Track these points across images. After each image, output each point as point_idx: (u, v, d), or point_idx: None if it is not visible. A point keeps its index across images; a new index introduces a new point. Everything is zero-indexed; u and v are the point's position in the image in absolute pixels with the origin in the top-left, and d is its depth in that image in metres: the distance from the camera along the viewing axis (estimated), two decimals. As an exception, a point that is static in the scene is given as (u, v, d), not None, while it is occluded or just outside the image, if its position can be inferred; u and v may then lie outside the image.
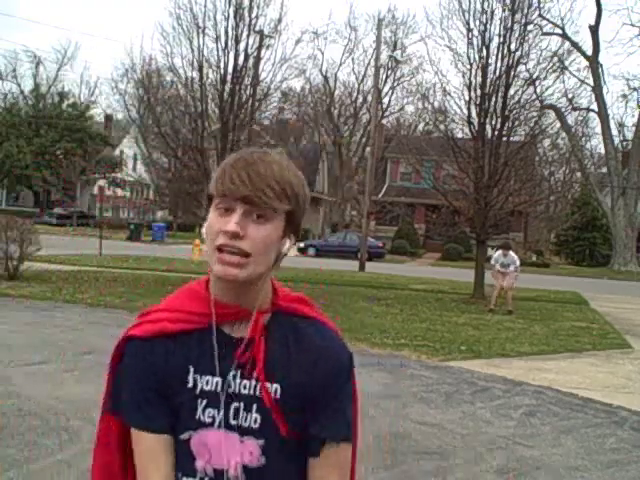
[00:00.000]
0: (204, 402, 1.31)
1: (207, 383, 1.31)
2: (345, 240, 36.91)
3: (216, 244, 1.25)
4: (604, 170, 45.32)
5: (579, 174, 42.58)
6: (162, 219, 48.59)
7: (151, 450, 1.32)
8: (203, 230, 1.32)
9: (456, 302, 16.06)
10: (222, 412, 1.30)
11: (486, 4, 15.98)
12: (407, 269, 28.33)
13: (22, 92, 53.90)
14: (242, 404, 1.30)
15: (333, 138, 53.87)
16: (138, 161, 38.65)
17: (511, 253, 14.60)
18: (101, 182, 42.07)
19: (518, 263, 14.67)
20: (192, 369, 1.31)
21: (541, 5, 17.96)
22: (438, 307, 14.87)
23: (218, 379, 1.31)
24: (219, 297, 1.31)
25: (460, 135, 17.28)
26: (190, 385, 1.31)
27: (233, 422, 1.30)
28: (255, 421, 1.30)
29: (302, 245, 34.91)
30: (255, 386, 1.30)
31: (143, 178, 30.77)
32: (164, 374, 1.32)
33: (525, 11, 16.17)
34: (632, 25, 43.79)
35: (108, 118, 57.29)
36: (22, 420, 5.17)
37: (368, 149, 36.52)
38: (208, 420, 1.30)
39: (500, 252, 14.66)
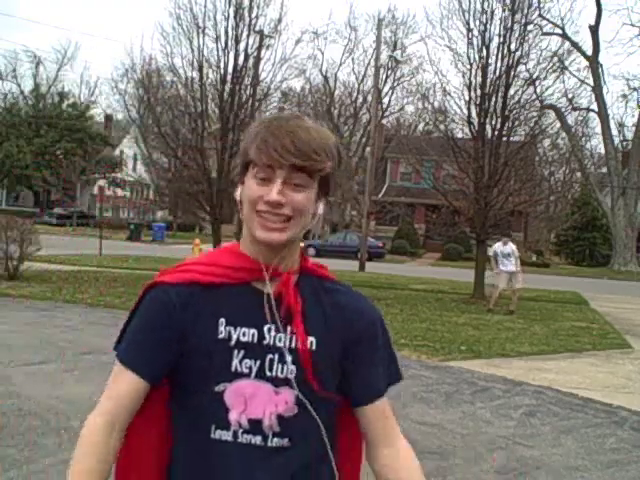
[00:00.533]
0: (241, 353, 1.32)
1: (244, 335, 1.33)
2: (345, 240, 36.88)
3: (257, 209, 1.30)
4: (604, 170, 45.31)
5: (579, 174, 42.51)
6: (162, 219, 48.62)
7: (125, 392, 1.32)
8: (237, 194, 1.37)
9: (456, 302, 16.07)
10: (259, 362, 1.32)
11: (486, 4, 16.00)
12: (407, 269, 28.33)
13: (22, 92, 53.89)
14: (277, 356, 1.33)
15: (333, 138, 53.79)
16: (138, 161, 38.68)
17: (510, 243, 14.60)
18: (101, 182, 42.12)
19: (517, 254, 14.67)
20: (224, 320, 1.33)
21: (541, 5, 17.98)
22: (438, 307, 14.87)
23: (254, 331, 1.33)
24: (254, 257, 1.36)
25: (460, 135, 17.29)
26: (223, 336, 1.32)
27: (269, 373, 1.32)
28: (291, 372, 1.33)
29: (302, 245, 34.92)
30: (290, 338, 1.34)
31: (143, 178, 30.81)
32: (184, 320, 1.33)
33: (525, 11, 16.18)
34: (632, 25, 43.93)
35: (108, 118, 57.27)
36: (22, 420, 5.17)
37: (368, 149, 36.50)
38: (245, 371, 1.32)
39: (500, 243, 14.69)
